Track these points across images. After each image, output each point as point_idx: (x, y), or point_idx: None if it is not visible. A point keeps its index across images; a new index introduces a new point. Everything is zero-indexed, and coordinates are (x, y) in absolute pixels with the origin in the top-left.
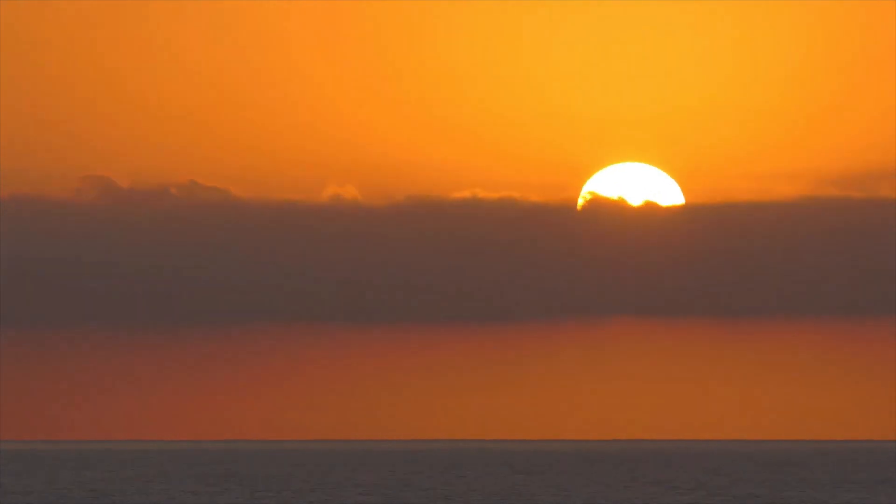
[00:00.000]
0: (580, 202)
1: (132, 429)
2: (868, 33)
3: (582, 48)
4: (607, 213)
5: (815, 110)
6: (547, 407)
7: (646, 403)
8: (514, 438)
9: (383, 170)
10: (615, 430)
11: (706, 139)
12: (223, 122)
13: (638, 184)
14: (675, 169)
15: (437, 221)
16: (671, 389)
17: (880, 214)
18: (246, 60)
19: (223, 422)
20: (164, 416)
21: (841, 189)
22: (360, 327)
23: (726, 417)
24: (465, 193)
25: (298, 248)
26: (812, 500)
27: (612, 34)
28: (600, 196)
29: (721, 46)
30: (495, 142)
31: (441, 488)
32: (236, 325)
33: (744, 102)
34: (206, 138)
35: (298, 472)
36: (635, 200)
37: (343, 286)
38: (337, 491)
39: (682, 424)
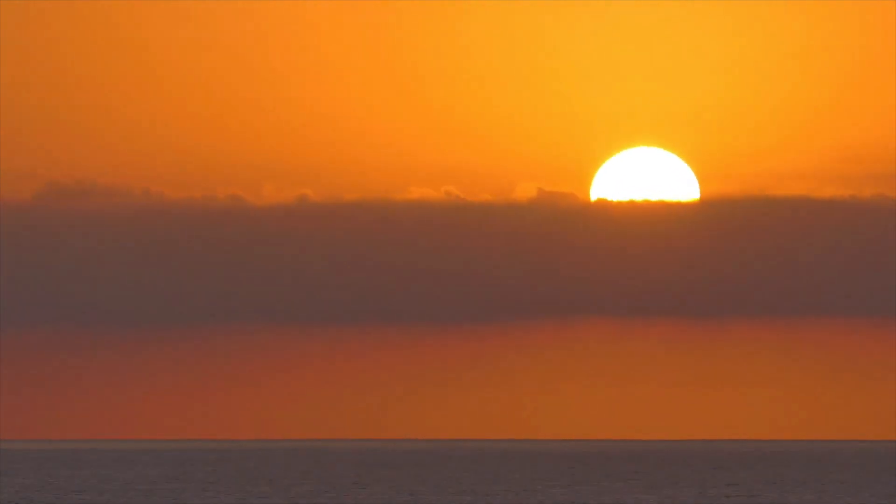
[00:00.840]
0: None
1: (126, 429)
2: (890, 30)
3: (569, 47)
4: (592, 213)
5: (827, 109)
6: (524, 407)
7: (629, 405)
8: (491, 438)
9: (334, 169)
10: (595, 431)
11: (715, 135)
12: (157, 121)
13: (640, 178)
14: (693, 162)
15: (415, 221)
16: (660, 390)
17: (882, 214)
18: (185, 60)
19: (221, 422)
20: (157, 417)
21: (841, 189)
22: (322, 327)
23: (722, 418)
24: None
25: (240, 247)
26: (810, 501)
27: (613, 33)
28: (579, 196)
29: (727, 44)
30: (481, 139)
31: (424, 488)
32: (209, 325)
33: (753, 101)
34: (134, 136)
35: (291, 471)
36: (639, 195)
37: (301, 286)
38: (326, 489)
39: (673, 425)
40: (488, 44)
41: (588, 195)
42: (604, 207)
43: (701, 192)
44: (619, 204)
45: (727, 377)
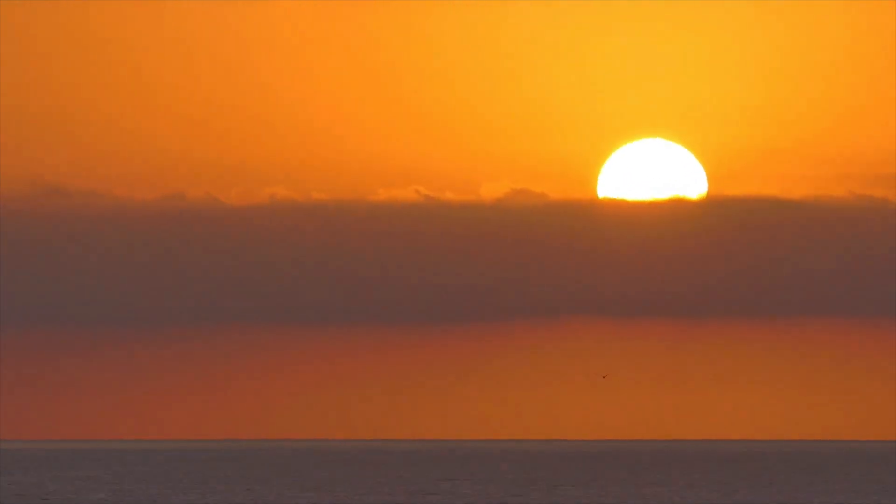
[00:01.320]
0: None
1: (126, 429)
2: None
3: (563, 44)
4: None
5: (843, 112)
6: (524, 407)
7: (628, 405)
8: (491, 438)
9: (309, 168)
10: (594, 431)
11: (727, 133)
12: (129, 123)
13: (641, 175)
14: (704, 159)
15: (402, 221)
16: (660, 390)
17: (883, 217)
18: (157, 61)
19: (221, 422)
20: (157, 417)
21: (843, 191)
22: (322, 327)
23: (722, 418)
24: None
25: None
26: (810, 501)
27: (612, 30)
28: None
29: (733, 42)
30: (457, 137)
31: (423, 488)
32: (205, 325)
33: (767, 104)
34: (113, 140)
35: (291, 471)
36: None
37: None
38: (326, 489)
39: (673, 425)
40: (460, 42)
41: (592, 192)
42: (600, 206)
43: (709, 190)
44: (614, 202)
45: (726, 377)
